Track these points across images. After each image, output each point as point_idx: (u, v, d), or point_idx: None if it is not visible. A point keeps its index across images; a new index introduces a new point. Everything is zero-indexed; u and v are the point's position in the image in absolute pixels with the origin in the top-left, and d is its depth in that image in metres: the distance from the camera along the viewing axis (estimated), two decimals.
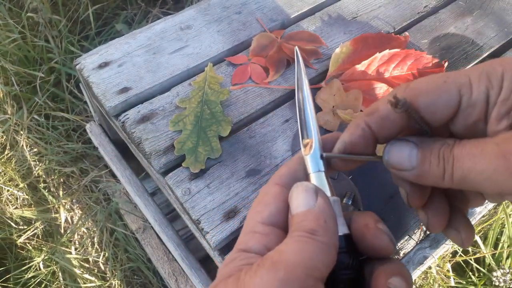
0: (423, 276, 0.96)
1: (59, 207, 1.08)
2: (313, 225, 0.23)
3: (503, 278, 0.92)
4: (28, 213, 1.07)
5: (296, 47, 0.29)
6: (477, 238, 0.98)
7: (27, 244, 1.05)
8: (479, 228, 1.01)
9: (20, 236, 1.05)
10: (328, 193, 0.26)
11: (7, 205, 1.09)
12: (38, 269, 1.01)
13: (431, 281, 0.94)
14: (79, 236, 1.06)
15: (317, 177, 0.27)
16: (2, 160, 1.13)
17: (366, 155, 0.27)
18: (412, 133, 0.26)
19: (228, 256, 0.25)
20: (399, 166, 0.25)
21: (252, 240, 0.24)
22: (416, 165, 0.24)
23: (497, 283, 0.93)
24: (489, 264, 0.97)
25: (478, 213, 0.70)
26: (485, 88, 0.23)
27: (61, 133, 1.15)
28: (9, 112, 1.13)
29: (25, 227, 1.07)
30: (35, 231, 1.06)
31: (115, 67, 0.64)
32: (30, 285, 0.99)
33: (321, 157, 0.28)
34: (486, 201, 0.28)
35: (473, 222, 0.70)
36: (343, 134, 0.27)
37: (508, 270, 0.93)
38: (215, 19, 0.71)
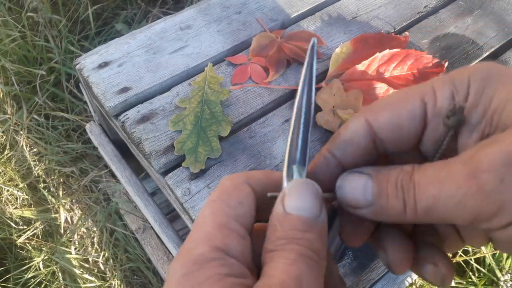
0: None
1: (59, 207, 1.08)
2: (319, 244, 0.19)
3: (511, 282, 0.92)
4: (28, 213, 1.07)
5: (314, 38, 0.25)
6: None
7: (27, 244, 1.05)
8: None
9: (20, 236, 1.05)
10: None
11: (7, 205, 1.09)
12: (38, 269, 1.01)
13: None
14: (79, 236, 1.06)
15: None
16: (2, 160, 1.13)
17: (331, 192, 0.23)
18: (378, 157, 0.23)
19: (193, 246, 0.20)
20: (354, 203, 0.22)
21: (232, 240, 0.20)
22: (373, 200, 0.21)
23: None
24: (490, 264, 0.97)
25: None
26: (449, 93, 0.21)
27: (61, 133, 1.15)
28: (9, 112, 1.13)
29: (25, 227, 1.07)
30: (35, 231, 1.06)
31: (115, 67, 0.64)
32: (30, 285, 0.99)
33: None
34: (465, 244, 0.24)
35: None
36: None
37: None
38: (215, 19, 0.71)
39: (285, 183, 0.22)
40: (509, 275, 0.94)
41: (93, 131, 0.81)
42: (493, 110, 0.20)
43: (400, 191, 0.20)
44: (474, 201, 0.17)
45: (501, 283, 0.93)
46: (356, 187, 0.21)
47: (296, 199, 0.21)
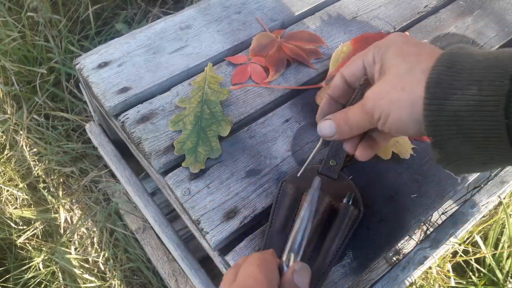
0: (423, 276, 0.96)
1: (58, 207, 1.08)
2: None
3: None
4: (27, 213, 1.07)
5: (317, 179, 0.43)
6: (477, 238, 0.98)
7: (27, 244, 1.05)
8: (479, 228, 1.01)
9: (19, 236, 1.05)
10: None
11: (7, 205, 1.09)
12: (37, 269, 1.01)
13: (432, 281, 0.94)
14: (78, 236, 1.06)
15: None
16: (1, 160, 1.12)
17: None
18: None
19: None
20: (327, 135, 0.42)
21: None
22: (335, 130, 0.41)
23: None
24: (490, 264, 0.97)
25: (479, 213, 0.70)
26: (371, 59, 0.39)
27: (60, 133, 1.15)
28: (8, 112, 1.13)
29: (25, 227, 1.07)
30: (35, 231, 1.06)
31: (115, 67, 0.64)
32: (30, 285, 0.99)
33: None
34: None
35: (473, 223, 0.70)
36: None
37: None
38: (215, 19, 0.71)
39: (285, 266, 0.37)
40: None
41: (93, 131, 0.81)
42: (382, 71, 0.38)
43: (343, 123, 0.40)
44: (361, 116, 0.38)
45: None
46: (326, 127, 0.42)
47: (301, 276, 0.36)
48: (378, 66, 0.38)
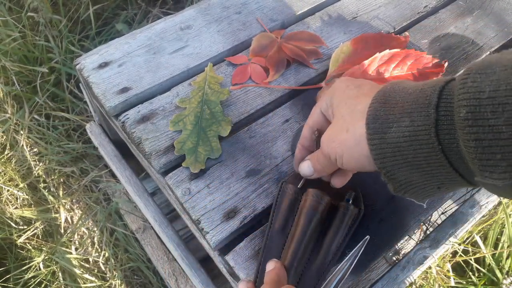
0: (423, 276, 0.96)
1: (59, 207, 1.08)
2: None
3: None
4: (28, 213, 1.07)
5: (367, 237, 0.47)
6: (477, 238, 0.98)
7: (27, 244, 1.05)
8: (479, 228, 1.01)
9: (20, 236, 1.05)
10: None
11: (7, 205, 1.09)
12: (38, 269, 1.01)
13: (431, 281, 0.94)
14: (79, 236, 1.06)
15: None
16: (2, 160, 1.13)
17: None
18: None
19: None
20: (307, 175, 0.47)
21: None
22: (313, 170, 0.46)
23: None
24: (489, 264, 0.97)
25: (478, 213, 0.70)
26: (320, 118, 0.46)
27: (61, 133, 1.15)
28: (9, 111, 1.13)
29: (25, 227, 1.07)
30: (35, 231, 1.06)
31: (115, 67, 0.64)
32: (30, 285, 0.99)
33: None
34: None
35: (473, 222, 0.70)
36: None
37: None
38: (215, 19, 0.71)
39: None
40: (511, 278, 0.94)
41: (93, 131, 0.82)
42: (333, 115, 0.42)
43: (318, 162, 0.45)
44: (324, 159, 0.43)
45: (504, 287, 0.94)
46: (305, 167, 0.47)
47: None
48: (330, 111, 0.42)
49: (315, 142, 0.47)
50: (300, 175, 0.51)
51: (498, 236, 1.00)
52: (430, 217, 0.69)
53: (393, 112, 0.34)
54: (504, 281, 0.94)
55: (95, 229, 1.05)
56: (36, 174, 1.12)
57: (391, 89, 0.36)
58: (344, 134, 0.38)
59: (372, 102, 0.36)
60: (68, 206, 1.09)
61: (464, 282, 0.97)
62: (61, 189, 1.11)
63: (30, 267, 1.01)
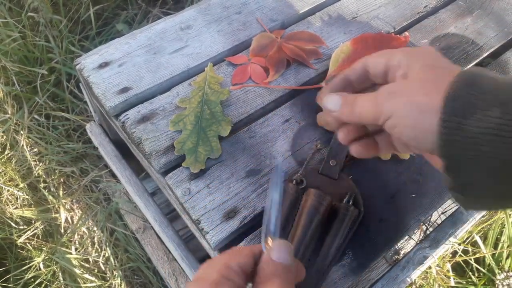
0: (423, 276, 0.96)
1: (59, 207, 1.08)
2: (292, 278, 0.32)
3: (506, 281, 0.92)
4: (28, 213, 1.07)
5: (278, 164, 0.42)
6: (477, 238, 0.98)
7: (27, 244, 1.05)
8: (479, 228, 1.01)
9: (20, 236, 1.05)
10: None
11: (7, 205, 1.09)
12: (38, 269, 1.01)
13: (431, 281, 0.94)
14: (79, 236, 1.06)
15: None
16: (2, 160, 1.13)
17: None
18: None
19: None
20: (330, 109, 0.39)
21: None
22: (339, 107, 0.38)
23: (500, 287, 0.93)
24: (489, 264, 0.97)
25: (478, 213, 0.70)
26: (383, 67, 0.38)
27: (61, 133, 1.15)
28: (9, 112, 1.13)
29: (25, 227, 1.07)
30: (35, 231, 1.06)
31: (115, 67, 0.64)
32: (30, 285, 1.00)
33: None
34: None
35: (473, 222, 0.70)
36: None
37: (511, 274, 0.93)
38: (215, 19, 0.72)
39: (264, 249, 0.33)
40: (505, 273, 0.94)
41: (93, 131, 0.82)
42: (405, 77, 0.35)
43: (350, 105, 0.37)
44: (369, 106, 0.35)
45: (497, 282, 0.94)
46: (333, 100, 0.39)
47: (279, 252, 0.33)
48: (401, 72, 0.36)
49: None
50: (298, 174, 0.51)
51: (498, 236, 1.00)
52: (430, 217, 0.69)
53: (480, 98, 0.29)
54: (498, 276, 0.94)
55: (95, 229, 1.05)
56: (36, 174, 1.12)
57: (481, 72, 0.31)
58: (420, 96, 0.31)
59: (456, 81, 0.30)
60: (68, 206, 1.09)
61: (464, 282, 0.97)
62: (61, 189, 1.11)
63: (30, 267, 1.01)
